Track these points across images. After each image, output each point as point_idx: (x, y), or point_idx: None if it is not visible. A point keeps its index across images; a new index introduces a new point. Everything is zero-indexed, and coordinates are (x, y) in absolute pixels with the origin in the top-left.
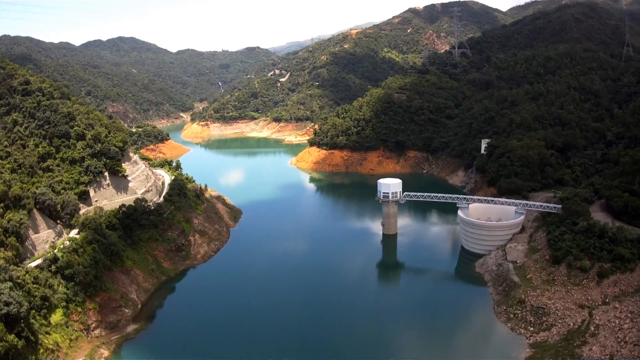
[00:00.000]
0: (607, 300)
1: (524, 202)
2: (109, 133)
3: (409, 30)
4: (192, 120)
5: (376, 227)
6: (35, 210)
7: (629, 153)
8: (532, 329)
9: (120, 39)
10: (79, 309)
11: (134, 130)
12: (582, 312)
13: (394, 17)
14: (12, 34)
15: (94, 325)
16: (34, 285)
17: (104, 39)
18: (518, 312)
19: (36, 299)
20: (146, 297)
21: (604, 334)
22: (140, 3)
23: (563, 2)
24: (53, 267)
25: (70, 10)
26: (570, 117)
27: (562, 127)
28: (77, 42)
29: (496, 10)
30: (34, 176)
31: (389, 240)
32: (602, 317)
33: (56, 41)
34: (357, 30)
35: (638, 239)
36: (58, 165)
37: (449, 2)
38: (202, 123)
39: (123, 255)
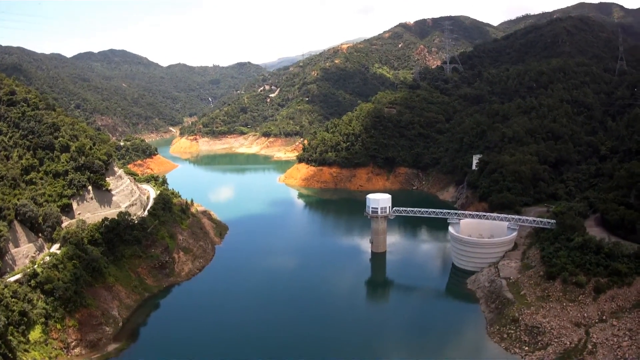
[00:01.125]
0: (604, 317)
1: (517, 217)
2: (94, 145)
3: (400, 45)
4: (181, 134)
5: (365, 244)
6: (16, 223)
7: (624, 166)
8: (527, 348)
9: (112, 51)
10: (59, 326)
11: (121, 143)
12: (578, 330)
13: (384, 32)
14: (3, 44)
15: (73, 343)
16: (13, 300)
17: (96, 50)
18: (512, 331)
19: (14, 313)
20: (128, 314)
21: (602, 352)
22: (133, 16)
23: (555, 16)
24: (33, 282)
25: (63, 20)
26: (563, 130)
27: (555, 140)
28: (69, 53)
29: (487, 24)
30: (17, 188)
31: (378, 258)
32: (599, 335)
33: (48, 52)
34: (348, 45)
35: (635, 253)
36: (41, 179)
37: (440, 17)
38: (191, 137)
39: (105, 271)
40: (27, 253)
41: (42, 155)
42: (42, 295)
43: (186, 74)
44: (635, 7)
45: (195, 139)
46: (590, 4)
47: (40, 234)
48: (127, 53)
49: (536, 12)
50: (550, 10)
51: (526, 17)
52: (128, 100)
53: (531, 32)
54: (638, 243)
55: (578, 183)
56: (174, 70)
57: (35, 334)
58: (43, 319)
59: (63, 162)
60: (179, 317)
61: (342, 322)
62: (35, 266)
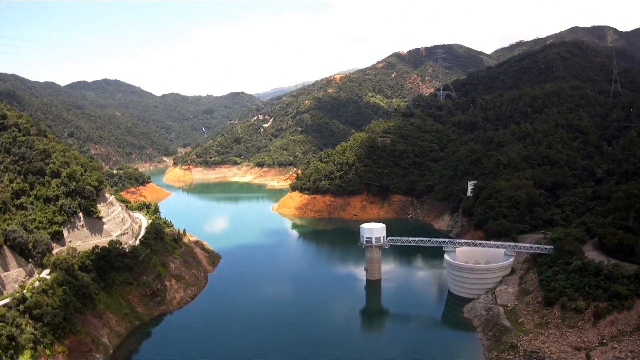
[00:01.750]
0: (604, 341)
1: (513, 244)
2: (85, 172)
3: (393, 75)
4: (175, 164)
5: (359, 272)
6: (5, 248)
7: (621, 188)
8: None
9: (106, 81)
10: (48, 352)
11: (114, 172)
12: (578, 354)
13: (378, 62)
14: None
15: None
16: (1, 324)
17: (89, 80)
18: (510, 356)
19: (3, 337)
20: (119, 342)
21: None
22: (126, 46)
23: (548, 41)
24: (21, 307)
25: (57, 48)
26: (559, 155)
27: (551, 166)
28: (63, 82)
29: (481, 53)
30: (7, 213)
31: (373, 286)
32: (601, 358)
33: (42, 80)
34: (341, 75)
35: (635, 275)
36: (32, 203)
37: (434, 46)
38: (185, 167)
39: (95, 298)
40: (16, 277)
41: (32, 180)
42: (30, 321)
43: (180, 104)
44: (628, 29)
45: (189, 169)
46: (584, 28)
47: (30, 260)
48: (120, 83)
49: (529, 39)
50: (544, 36)
51: (520, 43)
52: (122, 129)
53: (525, 59)
54: (637, 264)
55: (575, 207)
56: (168, 100)
57: (24, 358)
58: (32, 344)
59: (54, 187)
60: (170, 346)
61: (336, 350)
62: (25, 291)
